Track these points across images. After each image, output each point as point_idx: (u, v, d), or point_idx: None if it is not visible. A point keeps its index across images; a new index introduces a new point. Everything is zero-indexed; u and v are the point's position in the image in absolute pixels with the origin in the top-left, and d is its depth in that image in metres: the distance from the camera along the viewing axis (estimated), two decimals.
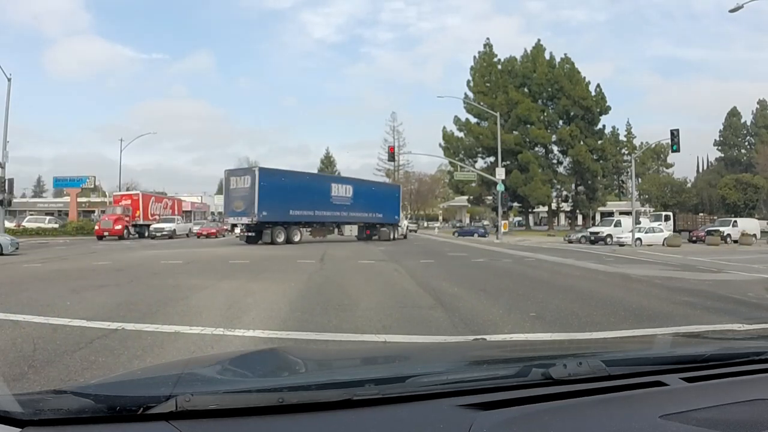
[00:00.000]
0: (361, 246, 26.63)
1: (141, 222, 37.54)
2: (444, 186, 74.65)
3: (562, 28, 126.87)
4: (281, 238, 27.63)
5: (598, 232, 34.85)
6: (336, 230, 32.88)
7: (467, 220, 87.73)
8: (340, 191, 32.28)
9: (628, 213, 37.91)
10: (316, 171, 70.65)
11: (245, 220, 27.10)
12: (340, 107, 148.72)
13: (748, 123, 75.83)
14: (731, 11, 23.30)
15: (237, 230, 28.34)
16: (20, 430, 1.01)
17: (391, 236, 34.95)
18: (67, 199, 56.43)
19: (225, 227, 33.64)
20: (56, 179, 54.33)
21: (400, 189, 43.50)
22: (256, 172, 27.46)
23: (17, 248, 19.23)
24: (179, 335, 5.59)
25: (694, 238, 36.15)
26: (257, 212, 26.58)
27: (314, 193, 30.14)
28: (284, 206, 27.82)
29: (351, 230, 33.73)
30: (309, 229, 30.59)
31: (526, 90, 54.42)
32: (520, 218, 63.76)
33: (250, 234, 27.47)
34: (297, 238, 28.70)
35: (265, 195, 26.76)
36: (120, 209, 36.10)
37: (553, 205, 57.89)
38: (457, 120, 55.88)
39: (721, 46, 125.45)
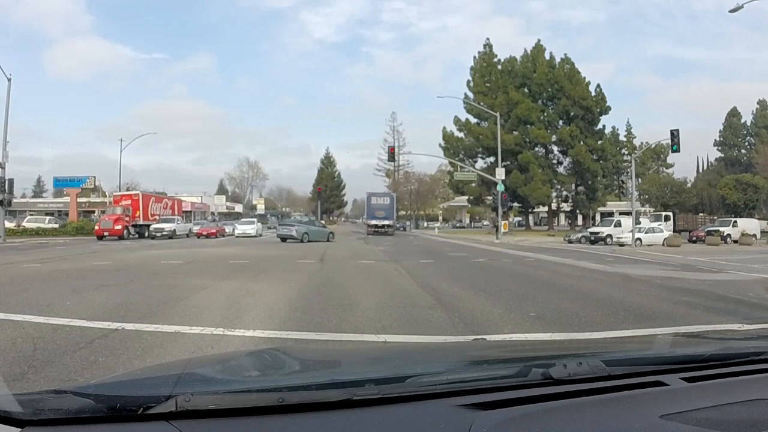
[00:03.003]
0: (362, 246, 26.69)
1: (141, 222, 37.45)
2: (444, 186, 74.43)
3: (562, 28, 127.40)
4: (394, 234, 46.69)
5: (598, 232, 34.77)
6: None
7: (467, 221, 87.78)
8: (391, 204, 51.94)
9: (628, 213, 37.85)
10: (316, 171, 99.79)
11: (387, 222, 46.77)
12: (340, 107, 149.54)
13: (748, 123, 75.68)
14: (731, 11, 23.30)
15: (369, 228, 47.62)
16: (20, 430, 1.01)
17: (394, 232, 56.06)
18: (67, 199, 56.34)
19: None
20: (56, 179, 54.28)
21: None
22: (394, 197, 51.12)
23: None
24: (179, 335, 5.59)
25: (694, 238, 36.07)
26: (393, 218, 48.67)
27: (394, 207, 50.50)
28: (395, 215, 49.77)
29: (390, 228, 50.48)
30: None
31: (526, 90, 54.26)
32: (520, 218, 63.64)
33: (377, 230, 45.48)
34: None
35: (395, 209, 49.58)
36: (120, 209, 36.00)
37: (553, 205, 57.73)
38: (457, 120, 55.80)
39: (721, 46, 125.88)
